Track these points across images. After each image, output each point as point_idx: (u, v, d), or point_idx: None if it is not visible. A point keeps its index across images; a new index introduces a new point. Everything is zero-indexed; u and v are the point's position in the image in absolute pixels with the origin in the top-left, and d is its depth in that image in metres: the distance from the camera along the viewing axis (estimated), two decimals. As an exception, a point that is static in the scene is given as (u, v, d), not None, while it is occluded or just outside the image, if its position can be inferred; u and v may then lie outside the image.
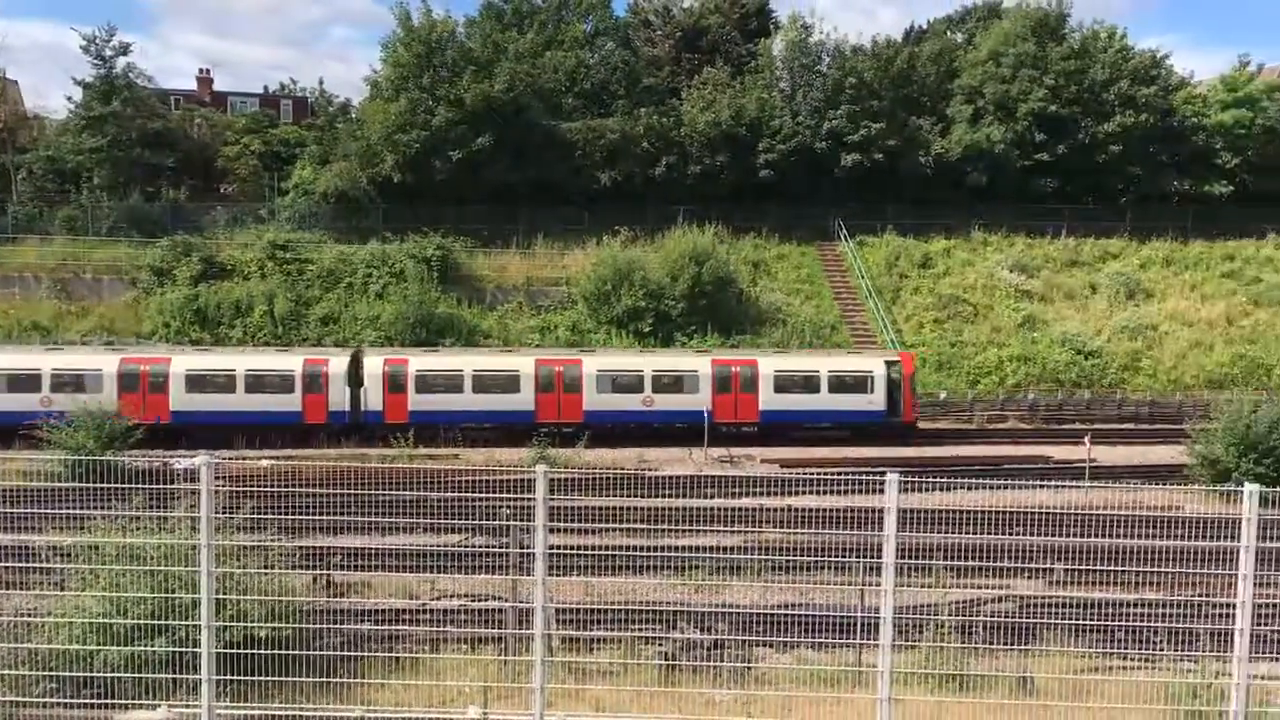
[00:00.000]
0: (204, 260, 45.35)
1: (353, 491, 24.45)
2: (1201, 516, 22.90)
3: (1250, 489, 9.58)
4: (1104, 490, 30.19)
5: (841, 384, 38.09)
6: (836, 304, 48.49)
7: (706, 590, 19.01)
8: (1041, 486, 29.84)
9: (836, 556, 18.44)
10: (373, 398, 36.65)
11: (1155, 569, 18.89)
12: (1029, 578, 21.42)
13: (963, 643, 14.14)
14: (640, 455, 35.30)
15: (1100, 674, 13.49)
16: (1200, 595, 18.67)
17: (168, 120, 54.97)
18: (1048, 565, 21.02)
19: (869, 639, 11.41)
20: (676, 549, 21.59)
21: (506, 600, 16.14)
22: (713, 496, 28.51)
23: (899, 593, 14.30)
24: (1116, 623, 18.03)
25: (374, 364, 37.03)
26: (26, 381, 35.62)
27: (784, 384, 37.98)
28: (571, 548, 15.20)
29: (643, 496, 25.97)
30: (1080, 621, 17.81)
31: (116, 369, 35.87)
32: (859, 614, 13.95)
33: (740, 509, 26.63)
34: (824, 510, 25.92)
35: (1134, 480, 32.79)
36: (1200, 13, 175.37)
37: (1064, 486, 29.58)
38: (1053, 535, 21.87)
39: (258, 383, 36.17)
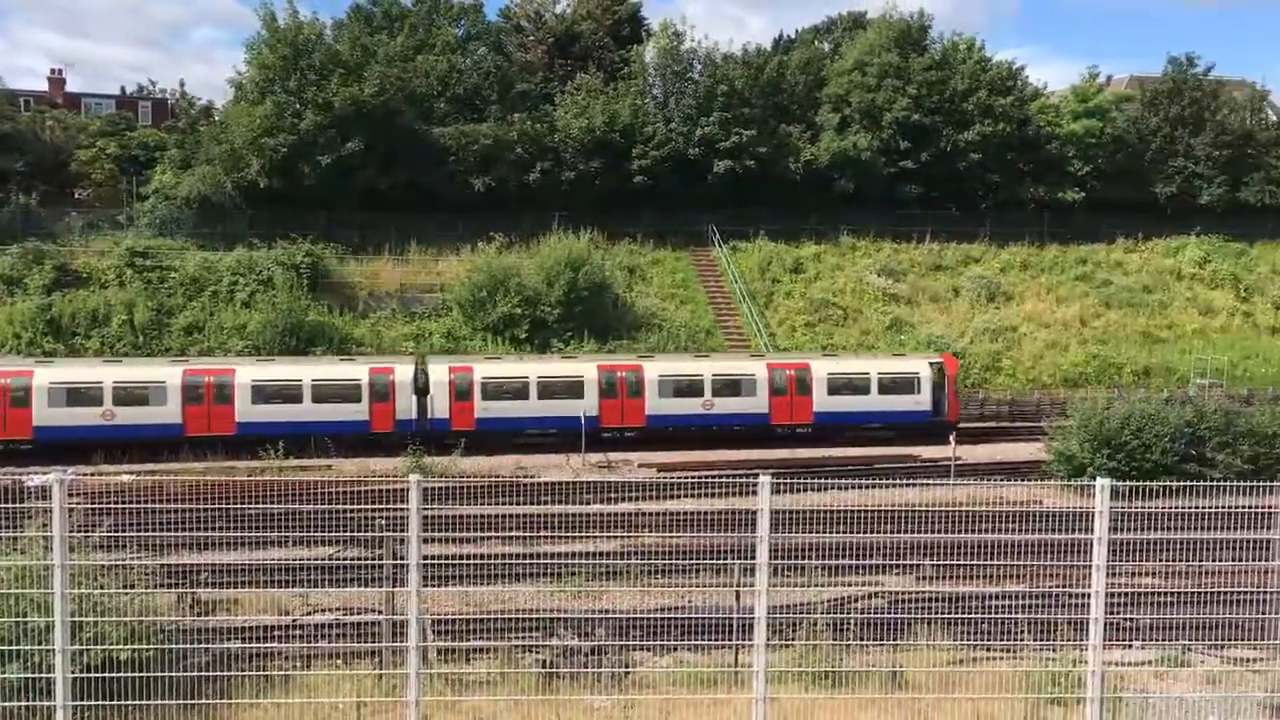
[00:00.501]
0: (57, 268, 43.46)
1: (220, 506, 23.70)
2: (1059, 510, 23.88)
3: (1101, 483, 10.01)
4: (969, 487, 31.19)
5: (891, 385, 39.57)
6: (711, 308, 49.07)
7: (585, 596, 19.00)
8: (910, 485, 30.69)
9: (714, 558, 18.67)
10: (439, 405, 36.52)
11: (1018, 562, 19.61)
12: (899, 574, 21.98)
13: (836, 640, 14.42)
14: (518, 462, 35.10)
15: (967, 665, 13.91)
16: (1060, 586, 19.47)
17: (16, 122, 52.49)
18: (916, 561, 21.61)
19: (745, 639, 11.55)
20: (555, 556, 21.53)
21: (381, 613, 15.85)
22: (591, 502, 28.54)
23: (774, 593, 14.52)
24: (982, 615, 18.64)
25: (439, 371, 36.88)
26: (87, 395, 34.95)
27: (837, 386, 39.12)
28: (448, 558, 15.01)
29: (521, 504, 25.82)
30: (948, 615, 18.35)
31: (181, 380, 35.35)
32: (735, 615, 14.12)
33: (618, 514, 26.71)
34: (701, 513, 26.28)
35: (997, 477, 34.00)
36: (1052, 26, 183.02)
37: (931, 484, 30.44)
38: (921, 532, 22.51)
39: (325, 392, 35.99)
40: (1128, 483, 12.38)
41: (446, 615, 16.57)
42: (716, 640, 15.23)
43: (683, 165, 51.71)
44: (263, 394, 35.68)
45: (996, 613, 17.69)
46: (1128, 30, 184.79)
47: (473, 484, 27.09)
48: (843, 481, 19.91)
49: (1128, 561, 19.64)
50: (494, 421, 36.72)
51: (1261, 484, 15.49)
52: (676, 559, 20.99)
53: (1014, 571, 21.67)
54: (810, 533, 22.40)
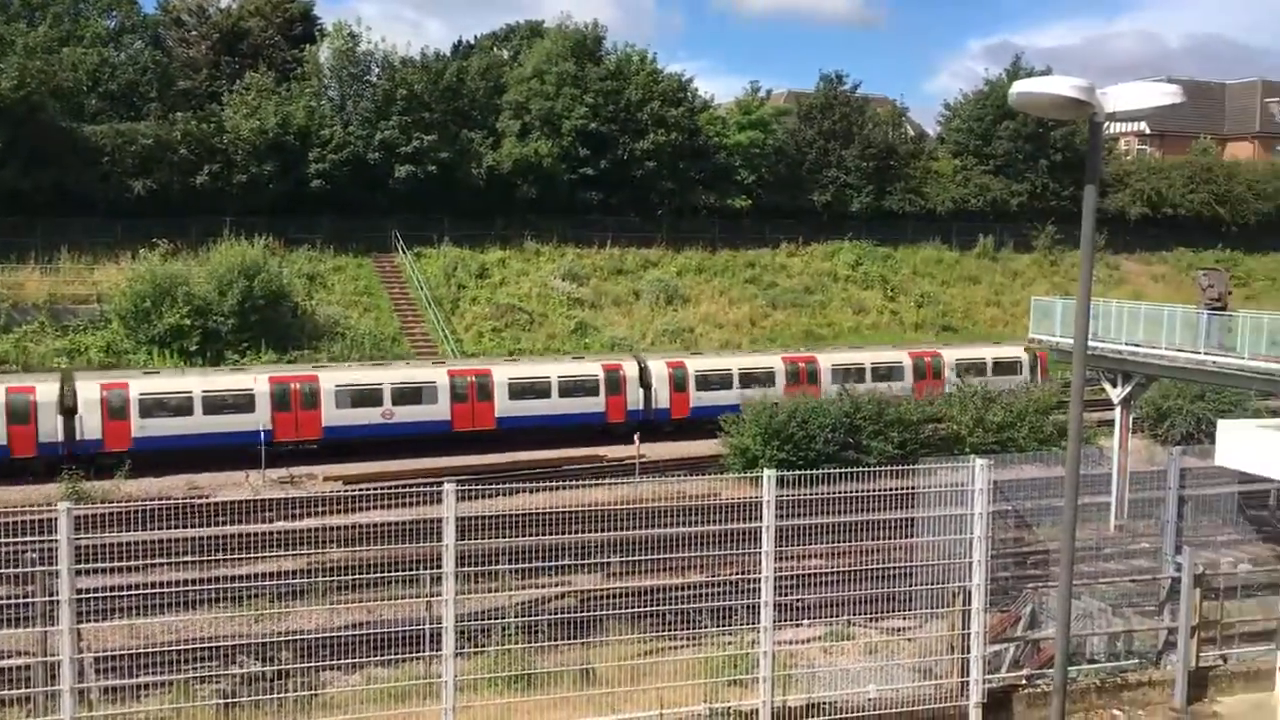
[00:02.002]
0: None
1: None
2: (736, 501, 25.15)
3: (768, 474, 10.67)
4: (653, 484, 32.31)
5: (1002, 368, 44.71)
6: (396, 315, 48.18)
7: (268, 619, 18.15)
8: (597, 484, 31.36)
9: (403, 569, 18.34)
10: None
11: (699, 553, 20.54)
12: (588, 573, 22.46)
13: (528, 642, 14.54)
14: (191, 482, 33.10)
15: (654, 656, 14.38)
16: (737, 573, 20.52)
17: None
18: (605, 559, 22.18)
19: (438, 650, 11.41)
20: (235, 579, 20.44)
21: (35, 655, 14.45)
22: (273, 520, 27.34)
23: (466, 600, 14.44)
24: (667, 607, 19.39)
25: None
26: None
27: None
28: (111, 589, 13.90)
29: (195, 526, 24.34)
30: (635, 609, 18.93)
31: (448, 381, 38.70)
32: (426, 626, 13.92)
33: (302, 530, 25.75)
34: (390, 524, 25.72)
35: (678, 472, 35.47)
36: (717, 42, 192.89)
37: (617, 483, 31.31)
38: (608, 530, 23.09)
39: (569, 388, 40.11)
40: (794, 471, 13.21)
41: (110, 651, 15.34)
42: (409, 653, 14.98)
43: (363, 169, 50.42)
44: (519, 392, 39.40)
45: (680, 603, 18.46)
46: (785, 48, 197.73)
47: (137, 508, 25.24)
48: (531, 485, 20.14)
49: (796, 546, 20.97)
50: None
51: (907, 467, 16.98)
52: (365, 573, 20.44)
53: (696, 562, 22.68)
54: (501, 537, 22.48)
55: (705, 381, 41.71)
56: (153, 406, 35.16)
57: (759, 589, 11.56)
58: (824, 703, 12.27)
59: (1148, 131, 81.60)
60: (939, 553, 12.63)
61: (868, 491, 13.78)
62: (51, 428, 34.11)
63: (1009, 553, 23.47)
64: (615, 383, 40.81)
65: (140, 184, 46.64)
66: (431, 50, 57.17)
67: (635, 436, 36.65)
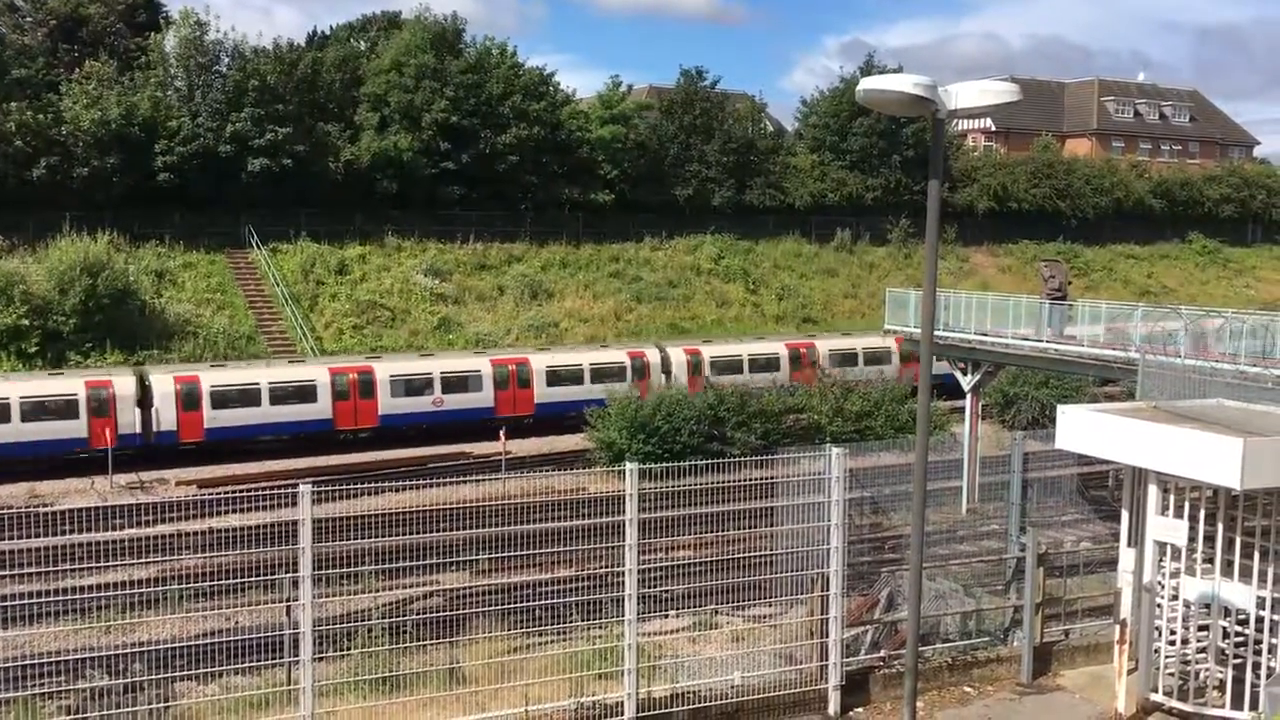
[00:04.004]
0: None
1: None
2: (602, 495, 25.24)
3: (630, 467, 10.75)
4: (520, 480, 32.22)
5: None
6: (251, 313, 46.77)
7: (118, 630, 17.48)
8: (463, 482, 31.11)
9: (262, 574, 17.85)
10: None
11: (566, 548, 20.54)
12: (456, 571, 22.28)
13: (393, 644, 14.33)
14: (32, 490, 31.59)
15: (522, 653, 14.36)
16: (604, 567, 20.62)
17: None
18: (472, 557, 22.02)
19: (298, 655, 11.17)
20: (81, 590, 19.57)
21: None
22: (122, 527, 26.25)
23: (327, 603, 14.16)
24: (535, 603, 19.35)
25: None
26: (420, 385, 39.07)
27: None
28: (-56, 606, 13.21)
29: (36, 536, 23.21)
30: (504, 606, 18.87)
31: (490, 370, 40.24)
32: (286, 631, 13.60)
33: (154, 537, 24.85)
34: (248, 528, 25.00)
35: (545, 468, 35.41)
36: (579, 36, 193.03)
37: (484, 480, 31.10)
38: (476, 527, 22.93)
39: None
40: (659, 464, 13.33)
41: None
42: (269, 660, 14.61)
43: (214, 163, 48.69)
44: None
45: (548, 599, 18.44)
46: (645, 43, 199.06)
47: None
48: (395, 483, 19.83)
49: (664, 537, 21.20)
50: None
51: (769, 457, 17.34)
52: (221, 579, 19.84)
53: (563, 557, 22.67)
54: (366, 538, 22.10)
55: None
56: (224, 398, 36.31)
57: (624, 582, 11.65)
58: (689, 691, 12.45)
59: (993, 129, 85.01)
60: (800, 540, 12.93)
61: (731, 482, 14.01)
62: (130, 420, 34.98)
63: (867, 538, 24.16)
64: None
65: (-30, 177, 44.20)
66: (285, 40, 55.64)
67: (501, 432, 36.44)
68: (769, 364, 44.75)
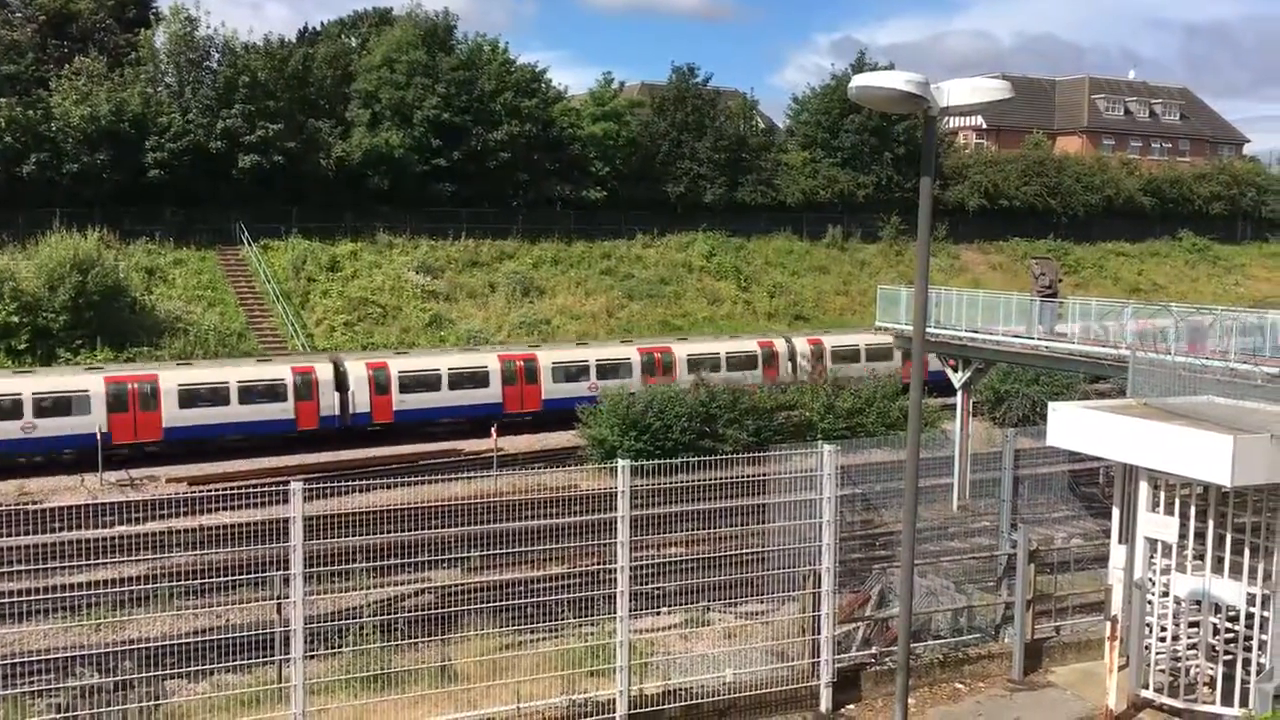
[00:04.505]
0: None
1: None
2: (594, 492, 25.25)
3: (622, 465, 10.73)
4: (511, 476, 32.21)
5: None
6: (242, 310, 46.65)
7: (108, 628, 17.44)
8: (455, 479, 31.07)
9: (253, 572, 17.82)
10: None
11: (558, 545, 20.55)
12: (447, 568, 22.24)
13: (385, 641, 14.31)
14: (21, 488, 31.48)
15: (513, 650, 14.34)
16: (596, 564, 20.62)
17: None
18: (463, 554, 21.99)
19: (290, 653, 11.15)
20: (72, 587, 19.52)
21: None
22: (113, 525, 26.18)
23: (320, 600, 14.13)
24: (527, 600, 19.33)
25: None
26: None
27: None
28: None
29: (26, 533, 23.13)
30: (495, 604, 18.83)
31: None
32: (277, 629, 13.57)
33: (145, 534, 24.80)
34: (239, 526, 24.92)
35: (537, 465, 35.36)
36: (570, 32, 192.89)
37: (475, 477, 31.09)
38: (467, 525, 22.90)
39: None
40: (650, 461, 13.31)
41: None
42: (260, 658, 14.58)
43: (205, 159, 48.54)
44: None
45: (540, 596, 18.43)
46: (637, 40, 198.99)
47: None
48: (387, 480, 19.79)
49: (655, 534, 21.21)
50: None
51: (761, 454, 17.34)
52: (212, 577, 19.80)
53: (555, 554, 22.67)
54: (356, 535, 22.06)
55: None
56: (410, 383, 39.12)
57: (616, 579, 11.64)
58: (681, 688, 12.44)
59: (984, 126, 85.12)
60: (791, 537, 12.93)
61: (723, 479, 14.00)
62: (330, 403, 37.85)
63: (859, 535, 24.21)
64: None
65: (-40, 173, 43.99)
66: (276, 36, 55.46)
67: (493, 429, 36.41)
68: (748, 361, 45.06)
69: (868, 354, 46.27)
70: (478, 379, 40.54)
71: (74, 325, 40.49)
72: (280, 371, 38.10)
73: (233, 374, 37.42)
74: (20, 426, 33.67)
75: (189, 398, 36.20)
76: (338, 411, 38.28)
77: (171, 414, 35.91)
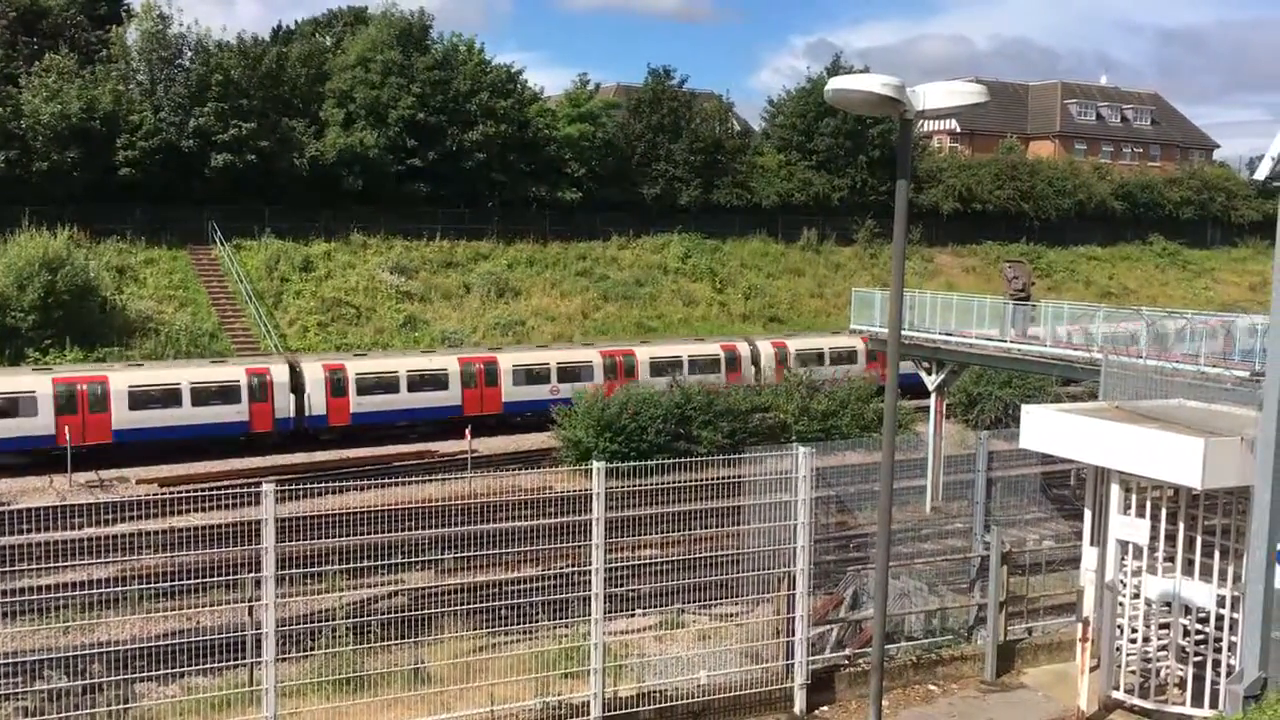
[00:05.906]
0: None
1: None
2: (569, 494, 25.19)
3: (597, 467, 10.71)
4: (486, 478, 32.12)
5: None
6: (214, 310, 46.30)
7: (77, 631, 17.24)
8: (429, 480, 30.94)
9: (226, 574, 17.65)
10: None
11: (532, 547, 20.48)
12: (420, 570, 22.15)
13: (358, 644, 14.22)
14: (-11, 489, 31.12)
15: (487, 653, 14.29)
16: (570, 566, 20.57)
17: None
18: (437, 556, 21.90)
19: (261, 656, 11.06)
20: (39, 590, 19.28)
21: None
22: (81, 526, 25.91)
23: (290, 603, 14.02)
24: (502, 602, 19.25)
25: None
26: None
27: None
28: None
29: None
30: (469, 606, 18.76)
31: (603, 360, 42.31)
32: (249, 631, 13.47)
33: (114, 536, 24.53)
34: (210, 527, 24.73)
35: (511, 466, 35.30)
36: (546, 33, 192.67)
37: (450, 478, 30.97)
38: (441, 526, 22.80)
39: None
40: (625, 463, 13.29)
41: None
42: (231, 660, 14.46)
43: (177, 158, 48.16)
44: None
45: (514, 598, 18.36)
46: (613, 41, 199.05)
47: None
48: (360, 482, 19.66)
49: (630, 536, 21.15)
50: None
51: (735, 456, 17.34)
52: (183, 579, 19.63)
53: (529, 556, 22.60)
54: (330, 537, 21.92)
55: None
56: (367, 385, 38.63)
57: (590, 581, 11.62)
58: (655, 690, 12.43)
59: (959, 130, 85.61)
60: (766, 539, 12.94)
61: (698, 481, 13.99)
62: (285, 404, 37.31)
63: (833, 537, 24.23)
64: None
65: (-73, 170, 43.46)
66: (249, 35, 55.05)
67: (467, 430, 36.29)
68: (711, 364, 45.04)
69: (832, 356, 46.44)
70: (437, 381, 40.10)
71: (43, 325, 40.09)
72: (234, 373, 37.54)
73: (185, 375, 36.86)
74: None
75: (140, 399, 35.63)
76: (293, 414, 37.75)
77: (122, 416, 35.34)
